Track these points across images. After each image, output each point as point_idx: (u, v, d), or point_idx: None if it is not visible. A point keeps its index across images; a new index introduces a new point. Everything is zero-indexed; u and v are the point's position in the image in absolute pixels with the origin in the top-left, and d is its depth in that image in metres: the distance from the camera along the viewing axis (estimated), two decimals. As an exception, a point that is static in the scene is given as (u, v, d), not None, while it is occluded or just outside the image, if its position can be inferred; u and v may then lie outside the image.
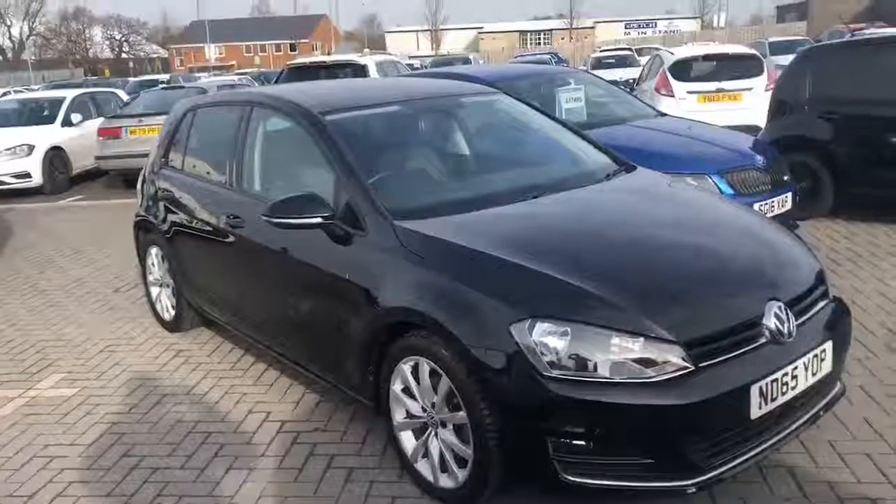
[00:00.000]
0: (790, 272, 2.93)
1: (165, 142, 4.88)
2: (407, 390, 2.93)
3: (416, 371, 2.84)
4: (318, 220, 3.13)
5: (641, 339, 2.44)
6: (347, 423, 3.54)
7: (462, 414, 2.65)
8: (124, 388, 4.13)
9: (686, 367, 2.43)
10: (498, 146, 4.09)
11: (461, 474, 2.74)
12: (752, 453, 2.59)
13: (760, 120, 9.13)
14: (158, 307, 5.00)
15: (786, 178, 5.46)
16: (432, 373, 2.76)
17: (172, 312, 4.84)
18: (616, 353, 2.43)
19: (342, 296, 3.12)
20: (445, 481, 2.83)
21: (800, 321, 2.72)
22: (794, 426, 2.72)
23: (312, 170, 3.52)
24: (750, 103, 9.84)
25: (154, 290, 5.04)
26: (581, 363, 2.43)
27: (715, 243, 3.00)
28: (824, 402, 2.86)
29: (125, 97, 14.40)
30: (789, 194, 5.42)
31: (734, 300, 2.67)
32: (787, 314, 2.66)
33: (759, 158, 5.35)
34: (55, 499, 3.12)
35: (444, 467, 2.84)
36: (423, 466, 2.93)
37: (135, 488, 3.14)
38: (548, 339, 2.46)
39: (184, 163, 4.63)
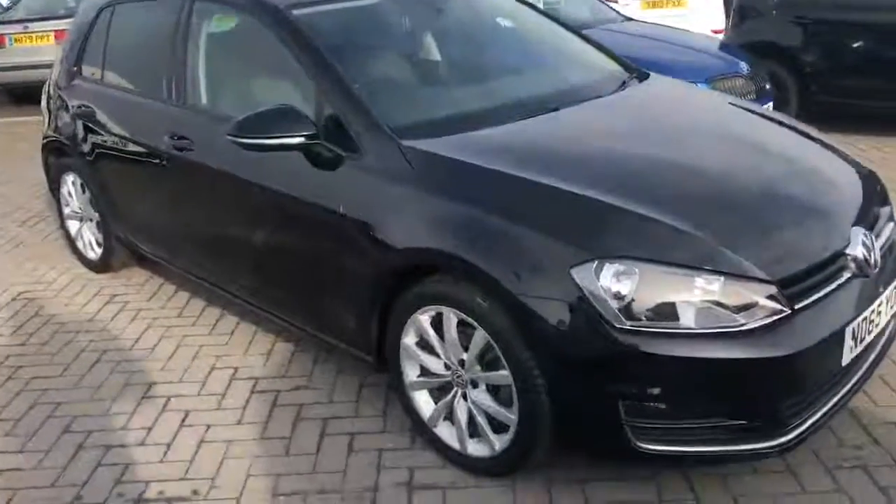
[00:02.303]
0: (862, 190, 2.55)
1: (76, 48, 4.05)
2: (423, 344, 2.44)
3: (437, 322, 2.36)
4: (300, 139, 2.54)
5: (731, 279, 2.02)
6: (335, 378, 3.03)
7: (504, 373, 2.19)
8: (51, 346, 3.47)
9: (782, 311, 2.03)
10: (501, 49, 3.47)
11: (499, 442, 2.31)
12: (832, 404, 2.25)
13: (705, 27, 8.77)
14: (80, 244, 4.27)
15: (766, 86, 5.15)
16: (461, 325, 2.29)
17: (99, 250, 4.13)
18: (701, 298, 2.01)
19: (331, 233, 2.57)
20: (476, 448, 2.40)
21: (879, 247, 2.37)
22: (867, 368, 2.41)
23: (279, 79, 2.92)
24: (695, 8, 9.42)
25: (73, 225, 4.30)
26: (660, 311, 2.00)
27: (781, 163, 2.59)
28: (887, 338, 2.55)
29: (4, 1, 12.71)
30: (770, 103, 5.11)
31: (821, 228, 2.28)
32: (872, 241, 2.30)
33: (744, 65, 5.00)
34: (-15, 493, 2.52)
35: (472, 432, 2.40)
36: (444, 432, 2.48)
37: (86, 475, 2.56)
38: (619, 283, 2.00)
39: (104, 73, 3.84)
